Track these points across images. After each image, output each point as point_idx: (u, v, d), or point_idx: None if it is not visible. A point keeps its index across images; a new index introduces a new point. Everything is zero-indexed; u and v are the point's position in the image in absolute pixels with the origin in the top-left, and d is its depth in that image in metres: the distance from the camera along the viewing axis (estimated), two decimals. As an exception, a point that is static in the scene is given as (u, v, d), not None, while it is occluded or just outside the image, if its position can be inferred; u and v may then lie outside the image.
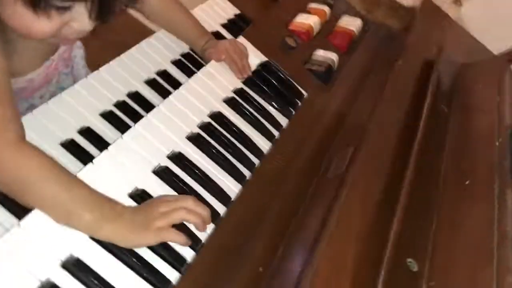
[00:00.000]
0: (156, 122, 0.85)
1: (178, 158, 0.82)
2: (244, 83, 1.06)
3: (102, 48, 1.29)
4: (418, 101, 1.04)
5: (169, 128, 0.86)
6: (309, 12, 1.40)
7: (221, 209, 0.81)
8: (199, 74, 1.00)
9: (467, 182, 0.81)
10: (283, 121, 1.05)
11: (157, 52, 1.06)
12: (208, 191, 0.82)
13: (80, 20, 0.68)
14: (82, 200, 0.67)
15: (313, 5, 1.44)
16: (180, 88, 0.94)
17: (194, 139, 0.87)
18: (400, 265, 0.68)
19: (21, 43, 0.80)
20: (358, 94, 1.18)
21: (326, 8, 1.44)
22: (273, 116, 1.03)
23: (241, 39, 1.15)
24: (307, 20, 1.35)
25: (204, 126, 0.90)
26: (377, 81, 1.22)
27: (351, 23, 1.46)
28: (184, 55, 1.10)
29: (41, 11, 0.65)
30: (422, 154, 0.88)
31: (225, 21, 1.27)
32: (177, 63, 1.07)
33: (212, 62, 1.04)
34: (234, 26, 1.27)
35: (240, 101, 1.00)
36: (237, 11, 1.33)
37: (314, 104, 1.13)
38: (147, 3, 1.03)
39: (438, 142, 0.95)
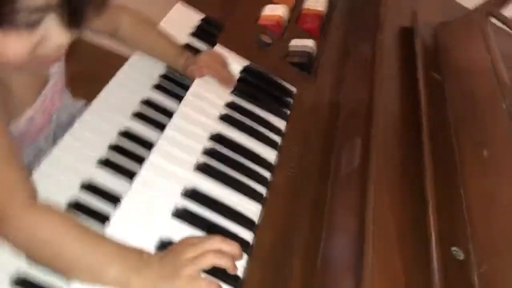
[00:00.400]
0: (160, 162, 0.81)
1: (193, 194, 0.78)
2: (233, 93, 1.02)
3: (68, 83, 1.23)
4: (410, 74, 1.02)
5: (175, 163, 0.82)
6: (275, 2, 1.35)
7: (249, 236, 0.78)
8: (188, 97, 0.95)
9: (485, 153, 0.80)
10: (281, 124, 1.01)
11: (135, 80, 1.01)
12: (231, 220, 0.79)
13: (54, 34, 0.64)
14: (106, 254, 0.64)
15: (276, -6, 1.39)
16: (174, 117, 0.90)
17: (202, 168, 0.83)
18: (446, 257, 0.67)
19: (8, 82, 0.75)
20: (345, 78, 1.15)
21: (290, -6, 1.40)
22: (271, 122, 1.00)
23: (217, 48, 1.10)
24: (275, 11, 1.30)
25: (209, 152, 0.86)
26: (361, 59, 1.19)
27: (317, 3, 1.43)
28: (163, 77, 1.05)
29: (8, 28, 0.60)
30: (431, 131, 0.87)
31: (194, 29, 1.21)
32: (158, 88, 1.02)
33: (197, 80, 1.00)
34: (204, 32, 1.22)
35: (235, 114, 0.97)
36: (202, 15, 1.28)
37: (305, 98, 1.10)
38: (120, 27, 0.99)
39: (441, 114, 0.94)
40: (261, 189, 0.86)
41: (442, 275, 0.64)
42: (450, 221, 0.73)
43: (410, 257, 0.68)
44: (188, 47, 1.11)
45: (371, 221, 0.70)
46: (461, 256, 0.68)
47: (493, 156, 0.78)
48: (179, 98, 1.01)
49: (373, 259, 0.65)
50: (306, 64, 1.18)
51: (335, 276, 0.72)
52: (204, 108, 0.95)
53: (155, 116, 0.96)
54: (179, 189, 0.79)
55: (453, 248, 0.69)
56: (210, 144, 0.88)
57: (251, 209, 0.82)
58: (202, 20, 1.26)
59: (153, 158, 0.81)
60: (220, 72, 1.02)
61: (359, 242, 0.70)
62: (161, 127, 0.92)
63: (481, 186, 0.77)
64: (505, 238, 0.68)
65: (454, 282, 0.65)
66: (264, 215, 0.82)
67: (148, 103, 0.97)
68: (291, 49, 1.23)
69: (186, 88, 1.02)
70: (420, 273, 0.65)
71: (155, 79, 1.04)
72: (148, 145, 0.88)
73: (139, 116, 0.94)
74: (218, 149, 0.88)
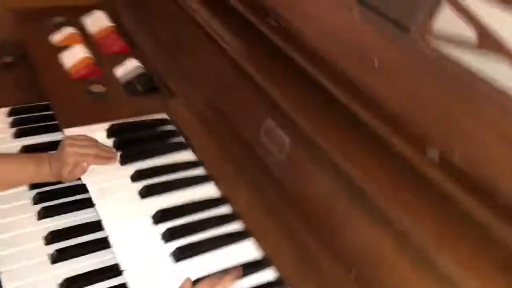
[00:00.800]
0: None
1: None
2: (124, 164, 0.90)
3: None
4: (251, 33, 1.00)
5: (158, 275, 0.72)
6: (65, 46, 1.18)
7: (270, 275, 0.74)
8: (99, 204, 0.81)
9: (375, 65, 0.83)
10: (190, 154, 0.94)
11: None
12: (245, 275, 0.73)
13: None
14: None
15: (59, 37, 1.21)
16: (110, 237, 0.77)
17: (180, 256, 0.74)
18: (429, 164, 0.71)
19: None
20: (192, 72, 1.09)
21: (70, 29, 1.24)
22: (181, 161, 0.92)
23: (67, 131, 0.94)
24: (76, 56, 1.15)
25: (168, 237, 0.77)
26: (190, 44, 1.13)
27: (100, 21, 1.29)
28: (39, 199, 0.88)
29: None
30: (317, 68, 0.88)
31: (15, 130, 1.02)
32: (46, 215, 0.86)
33: (83, 179, 0.86)
34: (30, 125, 1.04)
35: (149, 181, 0.86)
36: (6, 109, 1.08)
37: (182, 115, 1.02)
38: None
39: (304, 47, 0.95)
40: (235, 226, 0.81)
41: (444, 178, 0.68)
42: (400, 132, 0.77)
43: (412, 184, 0.71)
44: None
45: (357, 173, 0.72)
46: (435, 155, 0.73)
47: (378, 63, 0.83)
48: (75, 207, 0.87)
49: (382, 201, 0.68)
50: (152, 86, 1.09)
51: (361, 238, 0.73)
52: (118, 199, 0.83)
53: (75, 245, 0.81)
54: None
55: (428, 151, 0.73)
56: (160, 228, 0.78)
57: (248, 249, 0.77)
58: (12, 113, 1.06)
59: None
60: (95, 156, 0.89)
61: (359, 198, 0.72)
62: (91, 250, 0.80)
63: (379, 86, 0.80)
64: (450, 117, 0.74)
65: (451, 179, 0.69)
66: (261, 244, 0.78)
67: (54, 237, 0.82)
68: (123, 81, 1.11)
69: (74, 191, 0.89)
70: (425, 190, 0.69)
71: (32, 209, 0.87)
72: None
73: (59, 259, 0.79)
74: (172, 226, 0.79)
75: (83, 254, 0.80)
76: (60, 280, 0.77)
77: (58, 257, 0.79)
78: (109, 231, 0.77)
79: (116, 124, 0.97)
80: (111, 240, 0.76)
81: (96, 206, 0.81)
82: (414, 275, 0.67)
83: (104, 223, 0.78)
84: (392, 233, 0.71)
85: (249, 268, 0.74)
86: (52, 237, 0.82)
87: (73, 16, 1.30)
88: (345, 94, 0.83)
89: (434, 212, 0.69)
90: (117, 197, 0.83)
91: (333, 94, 0.83)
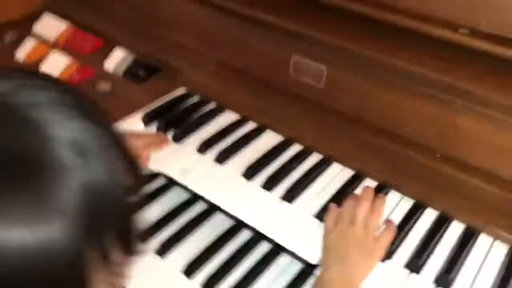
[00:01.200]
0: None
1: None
2: (178, 142, 0.90)
3: None
4: None
5: (271, 215, 0.76)
6: (37, 60, 1.11)
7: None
8: (190, 184, 0.83)
9: None
10: (231, 115, 0.96)
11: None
12: (351, 191, 0.80)
13: None
14: None
15: (25, 53, 1.13)
16: (222, 205, 0.79)
17: (289, 195, 0.79)
18: (465, 38, 0.81)
19: None
20: (187, 37, 1.08)
21: (32, 42, 1.15)
22: (230, 122, 0.94)
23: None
24: (59, 66, 1.09)
25: (267, 185, 0.80)
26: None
27: (55, 24, 1.21)
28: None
29: None
30: None
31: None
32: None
33: (159, 168, 0.85)
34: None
35: (216, 147, 0.88)
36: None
37: (200, 84, 1.02)
38: None
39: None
40: (316, 157, 0.86)
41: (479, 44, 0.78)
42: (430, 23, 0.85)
43: (455, 57, 0.80)
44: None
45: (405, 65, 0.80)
46: (466, 31, 0.82)
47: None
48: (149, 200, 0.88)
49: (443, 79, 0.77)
50: (152, 67, 1.07)
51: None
52: (202, 173, 0.83)
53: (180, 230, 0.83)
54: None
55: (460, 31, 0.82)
56: (256, 181, 0.82)
57: (337, 171, 0.84)
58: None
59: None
60: (152, 144, 0.88)
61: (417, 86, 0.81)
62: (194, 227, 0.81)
63: None
64: None
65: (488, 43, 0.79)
66: (347, 164, 0.84)
67: (151, 231, 0.82)
68: (120, 72, 1.08)
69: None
70: (467, 58, 0.79)
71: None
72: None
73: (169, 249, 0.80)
74: (266, 176, 0.82)
75: (191, 233, 0.83)
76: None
77: (165, 248, 0.80)
78: (217, 201, 0.79)
79: (149, 111, 0.96)
80: (225, 207, 0.78)
81: (190, 187, 0.82)
82: (494, 138, 0.77)
83: (207, 197, 0.80)
84: (460, 104, 0.79)
85: (351, 184, 0.81)
86: (150, 230, 0.82)
87: (23, 28, 1.21)
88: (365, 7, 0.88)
89: (486, 73, 0.79)
90: (198, 172, 0.84)
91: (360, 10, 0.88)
